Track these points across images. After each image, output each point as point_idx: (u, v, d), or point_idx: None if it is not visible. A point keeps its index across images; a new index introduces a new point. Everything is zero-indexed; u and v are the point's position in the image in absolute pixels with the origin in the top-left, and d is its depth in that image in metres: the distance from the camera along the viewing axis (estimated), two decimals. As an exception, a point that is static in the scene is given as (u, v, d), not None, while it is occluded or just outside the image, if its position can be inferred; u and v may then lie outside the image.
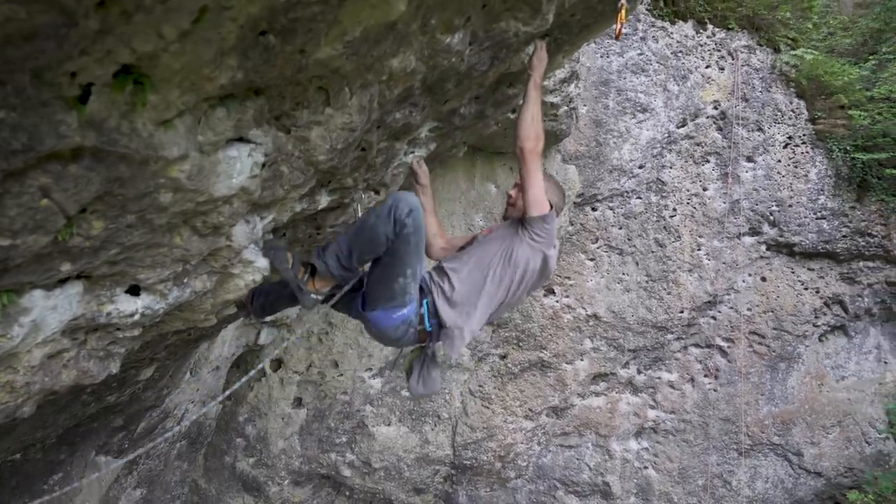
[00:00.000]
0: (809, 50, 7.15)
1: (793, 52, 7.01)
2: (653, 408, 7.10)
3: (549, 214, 2.55)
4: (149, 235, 1.65)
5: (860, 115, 6.84)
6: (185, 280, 2.01)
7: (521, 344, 6.70)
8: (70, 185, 1.29)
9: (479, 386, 6.77)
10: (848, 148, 6.81)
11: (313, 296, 2.50)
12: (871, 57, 7.98)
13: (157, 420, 5.14)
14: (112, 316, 1.83)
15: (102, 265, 1.65)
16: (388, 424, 6.61)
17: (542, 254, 2.57)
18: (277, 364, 6.49)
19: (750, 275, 7.01)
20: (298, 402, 6.53)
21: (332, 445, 6.54)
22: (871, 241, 6.89)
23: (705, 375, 7.08)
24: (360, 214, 2.70)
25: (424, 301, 2.51)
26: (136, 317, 1.92)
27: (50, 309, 1.60)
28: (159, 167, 1.44)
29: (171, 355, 3.77)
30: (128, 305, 1.87)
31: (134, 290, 1.89)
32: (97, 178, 1.33)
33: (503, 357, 6.75)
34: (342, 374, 6.48)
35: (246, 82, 1.48)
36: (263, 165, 1.83)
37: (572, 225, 6.64)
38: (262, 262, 2.26)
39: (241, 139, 1.68)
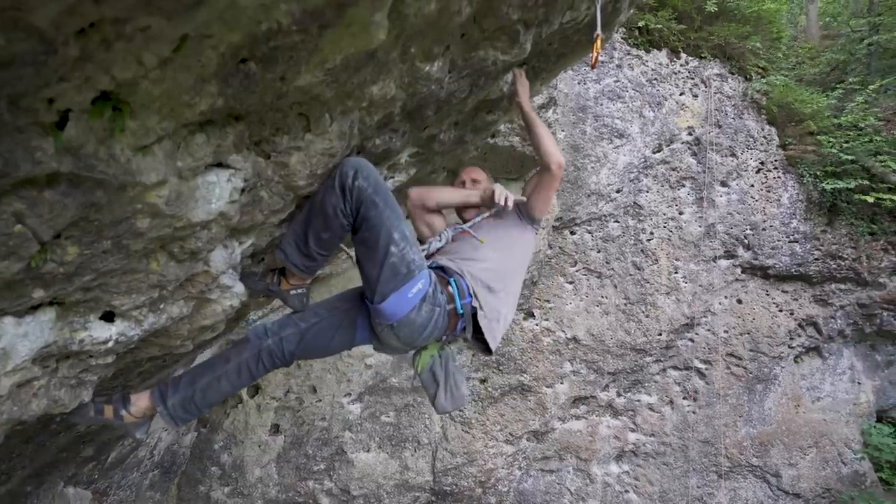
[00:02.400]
0: (780, 77, 7.38)
1: (763, 80, 7.23)
2: (633, 431, 7.10)
3: None
4: (125, 261, 1.63)
5: (828, 142, 7.05)
6: (162, 306, 1.98)
7: (501, 367, 6.69)
8: (45, 211, 1.27)
9: (460, 410, 6.72)
10: (818, 173, 6.99)
11: (293, 292, 2.37)
12: (837, 85, 8.28)
13: (128, 449, 5.01)
14: (85, 343, 1.79)
15: (76, 291, 1.62)
16: (368, 451, 6.52)
17: None
18: (255, 390, 6.38)
19: (726, 297, 7.10)
20: (276, 429, 6.42)
21: (309, 473, 6.42)
22: (843, 263, 7.05)
23: (684, 398, 7.11)
24: (348, 249, 2.44)
25: (451, 280, 2.33)
26: (111, 344, 1.88)
27: (21, 336, 1.56)
28: (137, 193, 1.42)
29: (144, 382, 3.68)
30: (102, 332, 1.82)
31: (108, 317, 1.85)
32: (73, 204, 1.31)
33: (483, 381, 6.72)
34: (320, 400, 6.40)
35: (226, 108, 1.48)
36: (243, 191, 1.82)
37: (551, 248, 6.68)
38: (240, 288, 2.23)
39: (220, 164, 1.67)
